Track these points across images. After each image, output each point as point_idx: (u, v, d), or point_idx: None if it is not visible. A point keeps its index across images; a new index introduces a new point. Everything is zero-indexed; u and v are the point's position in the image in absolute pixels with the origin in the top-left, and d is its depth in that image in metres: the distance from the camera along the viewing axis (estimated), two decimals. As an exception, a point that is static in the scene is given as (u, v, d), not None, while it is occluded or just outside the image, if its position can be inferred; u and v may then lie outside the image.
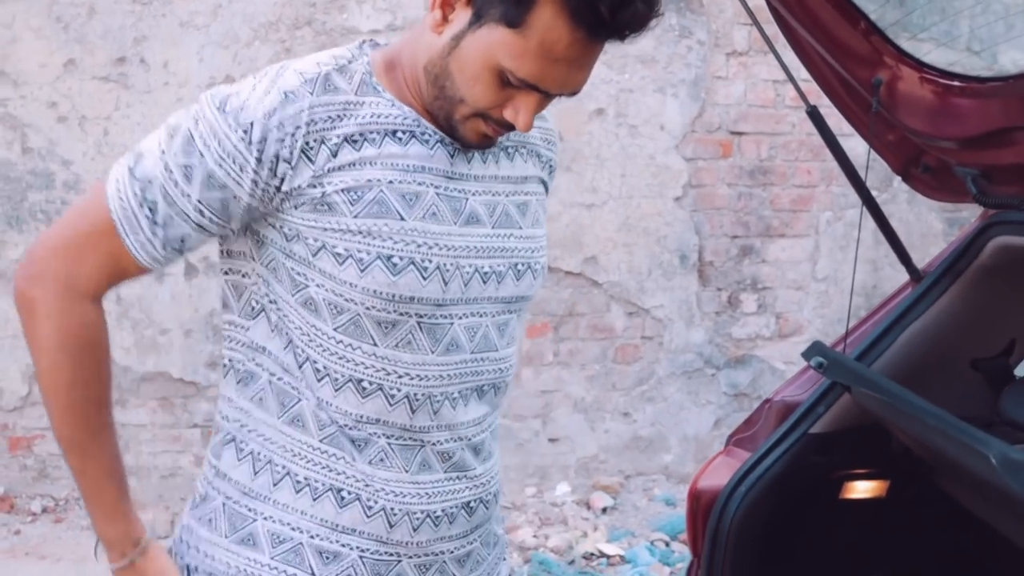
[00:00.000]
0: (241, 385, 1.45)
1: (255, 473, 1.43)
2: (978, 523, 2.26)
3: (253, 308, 1.42)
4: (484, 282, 1.41)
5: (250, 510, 1.43)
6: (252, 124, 1.30)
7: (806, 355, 2.08)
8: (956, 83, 2.05)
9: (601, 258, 4.94)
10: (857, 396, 2.06)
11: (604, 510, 4.73)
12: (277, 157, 1.30)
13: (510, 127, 1.34)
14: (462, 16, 1.28)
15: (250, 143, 1.30)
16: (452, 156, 1.38)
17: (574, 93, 1.34)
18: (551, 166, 1.55)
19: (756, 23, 2.16)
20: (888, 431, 2.18)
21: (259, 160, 1.30)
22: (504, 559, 1.62)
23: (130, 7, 4.42)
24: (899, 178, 2.44)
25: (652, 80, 4.86)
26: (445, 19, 1.29)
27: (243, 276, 1.41)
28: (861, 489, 2.34)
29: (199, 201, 1.32)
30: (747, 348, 5.06)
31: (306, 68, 1.34)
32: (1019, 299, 2.21)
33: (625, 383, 5.08)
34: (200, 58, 4.49)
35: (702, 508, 2.22)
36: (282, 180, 1.31)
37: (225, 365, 1.46)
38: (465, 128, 1.35)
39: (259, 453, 1.43)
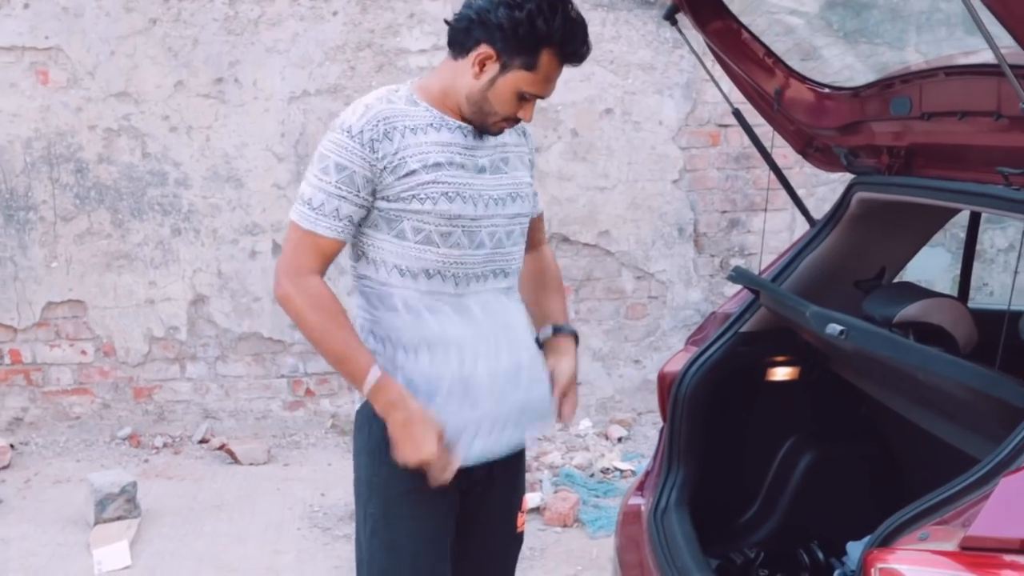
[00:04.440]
0: (364, 300, 2.33)
1: (383, 346, 2.30)
2: (862, 394, 3.11)
3: (358, 255, 2.30)
4: (496, 205, 2.30)
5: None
6: (351, 127, 2.18)
7: (728, 273, 2.99)
8: (826, 90, 2.92)
9: (613, 232, 5.68)
10: (763, 301, 2.96)
11: (619, 439, 5.51)
12: (372, 140, 2.16)
13: (518, 121, 2.26)
14: (492, 68, 2.18)
15: (352, 136, 2.17)
16: (465, 136, 2.27)
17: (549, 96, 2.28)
18: (523, 130, 2.45)
19: (695, 53, 3.06)
20: (794, 329, 3.04)
21: (362, 145, 2.16)
22: (541, 378, 2.40)
23: (226, 37, 5.25)
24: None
25: (652, 84, 5.60)
26: (481, 72, 2.20)
27: (354, 239, 2.29)
28: (779, 373, 3.15)
29: (339, 184, 2.17)
30: None
31: (375, 94, 2.26)
32: (882, 237, 3.05)
33: (635, 335, 5.85)
34: (282, 77, 5.31)
35: (666, 385, 3.03)
36: (378, 154, 2.16)
37: (356, 292, 2.35)
38: (495, 127, 2.26)
39: (382, 336, 2.31)
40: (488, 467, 2.32)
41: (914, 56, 5.78)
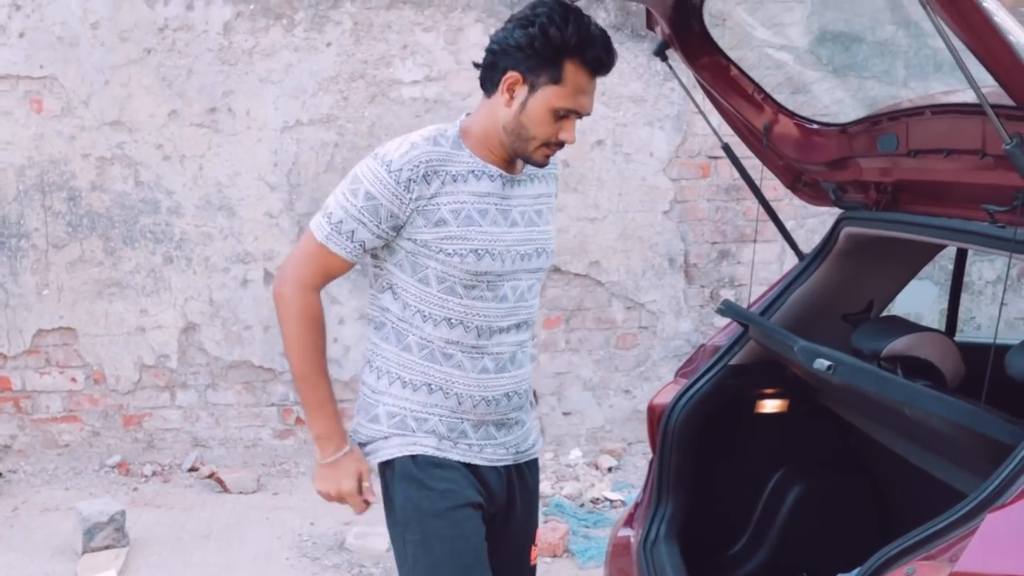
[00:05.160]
0: (374, 329, 2.36)
1: (378, 379, 2.36)
2: (850, 427, 3.12)
3: (383, 286, 2.32)
4: (522, 260, 2.32)
5: (374, 401, 2.36)
6: (392, 162, 2.19)
7: (717, 307, 3.02)
8: (814, 126, 2.95)
9: (603, 262, 5.71)
10: (752, 334, 2.98)
11: (609, 469, 5.51)
12: (410, 180, 2.18)
13: (562, 144, 2.25)
14: (521, 91, 2.19)
15: (390, 172, 2.18)
16: (503, 187, 2.28)
17: (590, 112, 2.26)
18: (555, 177, 2.48)
19: (685, 88, 3.10)
20: (783, 363, 3.07)
21: (397, 182, 2.18)
22: (535, 442, 2.49)
23: (220, 67, 5.28)
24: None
25: (643, 116, 5.65)
26: (512, 98, 2.20)
27: (380, 269, 2.32)
28: (768, 406, 3.16)
29: (362, 210, 2.19)
30: None
31: (423, 133, 2.27)
32: (870, 271, 3.08)
33: (625, 365, 5.86)
34: (275, 107, 5.34)
35: (656, 418, 3.05)
36: (412, 195, 2.17)
37: (368, 319, 2.39)
38: (536, 154, 2.25)
39: (382, 368, 2.35)
40: (507, 499, 2.41)
41: (903, 92, 5.87)
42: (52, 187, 5.26)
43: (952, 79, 6.15)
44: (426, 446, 2.31)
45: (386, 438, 2.34)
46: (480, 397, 2.33)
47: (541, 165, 2.31)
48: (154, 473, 5.43)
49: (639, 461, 5.64)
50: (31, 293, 5.32)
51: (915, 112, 2.62)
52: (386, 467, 2.36)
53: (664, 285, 5.78)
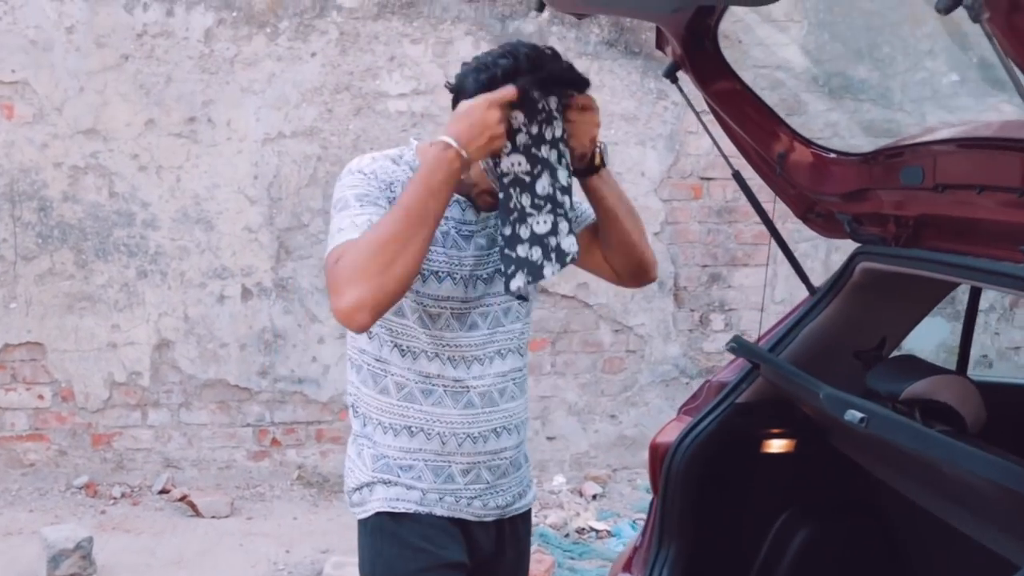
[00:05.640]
0: (355, 372, 2.23)
1: (363, 425, 2.23)
2: (861, 470, 3.00)
3: None
4: (485, 284, 2.18)
5: (361, 444, 2.24)
6: (363, 168, 2.07)
7: (728, 344, 2.88)
8: (832, 155, 2.83)
9: (591, 284, 5.55)
10: (763, 373, 2.85)
11: (594, 497, 5.38)
12: (383, 182, 2.05)
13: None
14: None
15: (366, 175, 2.05)
16: (463, 211, 2.15)
17: None
18: None
19: (698, 116, 2.96)
20: (793, 402, 2.95)
21: (378, 180, 2.04)
22: (530, 486, 2.35)
23: (200, 76, 5.12)
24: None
25: (634, 135, 5.53)
26: None
27: None
28: (775, 446, 3.02)
29: (363, 206, 2.00)
30: (716, 360, 5.66)
31: (379, 155, 2.13)
32: (884, 307, 2.97)
33: (612, 390, 5.73)
34: (257, 118, 5.19)
35: (658, 458, 2.91)
36: (386, 193, 2.04)
37: (348, 361, 2.24)
38: (479, 199, 2.12)
39: (364, 413, 2.22)
40: (495, 550, 2.27)
41: (899, 115, 5.78)
42: (22, 196, 5.07)
43: (949, 104, 6.03)
44: (409, 502, 2.18)
45: (371, 487, 2.21)
46: (465, 435, 2.18)
47: (482, 209, 2.16)
48: (123, 495, 5.24)
49: (624, 488, 5.54)
50: (-2, 306, 5.12)
51: (941, 144, 2.50)
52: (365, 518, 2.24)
53: (653, 308, 5.66)
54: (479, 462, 2.22)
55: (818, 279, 3.16)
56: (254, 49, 5.15)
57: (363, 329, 1.94)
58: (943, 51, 5.70)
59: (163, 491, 5.26)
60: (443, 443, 2.17)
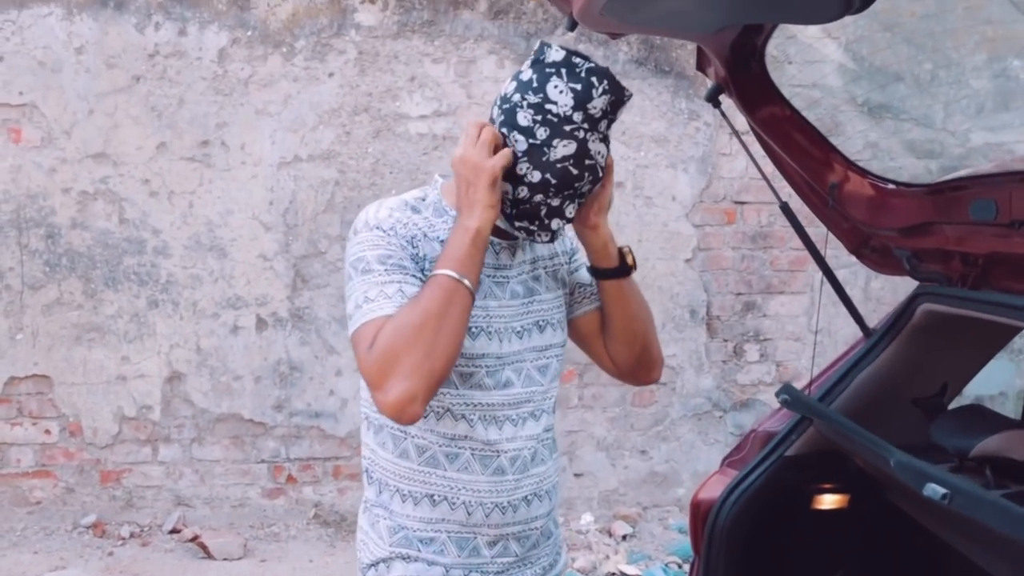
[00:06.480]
0: (372, 433, 2.01)
1: (379, 492, 2.01)
2: (921, 529, 2.77)
3: None
4: (520, 339, 1.97)
5: (376, 514, 2.01)
6: (380, 223, 1.86)
7: (778, 394, 2.64)
8: (891, 186, 2.59)
9: None
10: (817, 425, 2.61)
11: (624, 537, 5.13)
12: (403, 237, 1.85)
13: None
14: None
15: (384, 231, 1.85)
16: (497, 254, 1.96)
17: None
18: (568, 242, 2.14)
19: (741, 141, 2.73)
20: (846, 455, 2.71)
21: (397, 236, 1.85)
22: (560, 553, 2.14)
23: (213, 98, 4.93)
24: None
25: (665, 157, 5.30)
26: None
27: None
28: (827, 501, 2.80)
29: (388, 271, 1.81)
30: (751, 393, 5.47)
31: (396, 200, 1.93)
32: (945, 351, 2.73)
33: (642, 424, 5.48)
34: (272, 141, 4.98)
35: (701, 515, 2.72)
36: (417, 252, 1.85)
37: (364, 420, 2.02)
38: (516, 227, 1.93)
39: (380, 479, 2.00)
40: None
41: (942, 135, 5.51)
42: (29, 223, 4.88)
43: (993, 122, 5.76)
44: None
45: (388, 563, 1.99)
46: (493, 504, 1.96)
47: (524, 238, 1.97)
48: (132, 535, 5.00)
49: (656, 528, 5.27)
50: (3, 338, 4.92)
51: (1018, 177, 2.26)
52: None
53: (685, 338, 5.41)
54: (508, 533, 1.99)
55: (857, 307, 2.91)
56: (269, 69, 4.95)
57: (416, 420, 1.77)
58: (987, 67, 5.44)
59: (174, 531, 5.04)
60: (468, 513, 1.95)
